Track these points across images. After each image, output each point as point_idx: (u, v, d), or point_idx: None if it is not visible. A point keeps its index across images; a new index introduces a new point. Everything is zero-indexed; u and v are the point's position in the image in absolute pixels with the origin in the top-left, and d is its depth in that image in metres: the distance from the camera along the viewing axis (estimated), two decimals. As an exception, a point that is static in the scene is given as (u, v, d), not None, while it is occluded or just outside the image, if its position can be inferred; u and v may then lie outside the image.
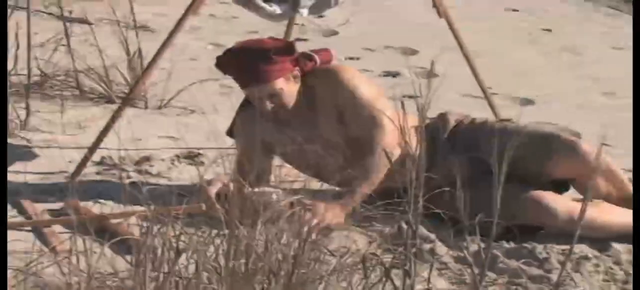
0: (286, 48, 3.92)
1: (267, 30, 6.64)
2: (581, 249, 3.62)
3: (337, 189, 3.88)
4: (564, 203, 3.77)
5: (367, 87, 3.97)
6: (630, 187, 3.94)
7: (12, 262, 2.94)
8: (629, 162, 4.75)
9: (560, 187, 3.88)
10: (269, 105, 3.89)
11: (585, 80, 6.36)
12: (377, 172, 3.80)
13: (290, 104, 3.93)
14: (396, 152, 3.74)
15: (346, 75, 3.95)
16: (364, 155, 3.85)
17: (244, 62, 3.90)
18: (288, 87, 3.90)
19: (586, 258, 3.59)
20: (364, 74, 4.08)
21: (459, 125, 3.99)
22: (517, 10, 8.68)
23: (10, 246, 3.00)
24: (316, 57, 3.97)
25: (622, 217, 3.78)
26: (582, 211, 2.49)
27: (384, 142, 3.82)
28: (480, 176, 3.52)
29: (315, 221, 3.49)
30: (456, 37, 4.37)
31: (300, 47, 6.23)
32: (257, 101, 3.91)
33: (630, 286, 3.46)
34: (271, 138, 3.96)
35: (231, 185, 3.61)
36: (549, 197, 3.78)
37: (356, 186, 3.78)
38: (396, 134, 3.75)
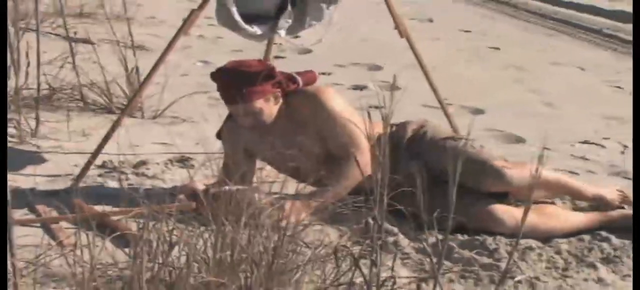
0: (268, 73, 3.87)
1: (250, 49, 6.64)
2: (526, 240, 3.63)
3: (312, 188, 3.86)
4: (511, 214, 3.77)
5: (343, 109, 3.91)
6: (577, 185, 4.02)
7: (23, 254, 2.92)
8: (567, 164, 4.77)
9: (500, 196, 3.88)
10: (248, 121, 3.88)
11: (527, 92, 6.38)
12: (346, 182, 3.77)
13: (268, 121, 3.90)
14: (368, 169, 3.72)
15: (325, 97, 3.91)
16: (339, 163, 3.83)
17: (230, 82, 3.87)
18: (267, 107, 3.87)
19: (531, 248, 3.59)
20: (338, 92, 4.00)
21: (415, 135, 3.98)
22: (470, 31, 8.71)
23: (21, 241, 2.97)
24: (299, 79, 3.94)
25: (564, 222, 3.79)
26: (523, 221, 2.50)
27: (359, 158, 3.76)
28: (433, 181, 3.53)
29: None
30: (416, 54, 4.36)
31: (278, 64, 6.25)
32: (239, 117, 3.90)
33: (568, 272, 3.46)
34: (253, 145, 3.95)
35: (211, 186, 3.60)
36: (499, 210, 3.77)
37: (324, 190, 3.76)
38: (369, 153, 3.73)
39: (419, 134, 3.98)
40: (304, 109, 3.90)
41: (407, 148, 3.94)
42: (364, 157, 3.75)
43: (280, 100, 3.91)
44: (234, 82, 3.85)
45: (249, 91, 3.83)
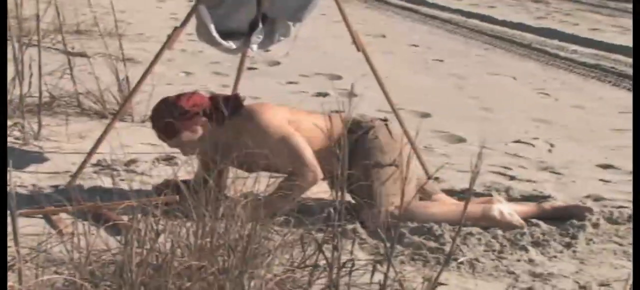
0: (186, 106, 3.73)
1: (226, 61, 6.62)
2: (468, 228, 3.63)
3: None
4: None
5: (278, 125, 3.70)
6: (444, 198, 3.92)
7: (26, 242, 2.88)
8: (501, 161, 4.79)
9: None
10: (183, 153, 3.82)
11: (467, 98, 6.40)
12: (295, 195, 3.55)
13: (193, 152, 3.78)
14: (317, 172, 3.65)
15: (259, 117, 3.71)
16: (290, 177, 3.66)
17: (158, 123, 3.78)
18: (190, 139, 3.73)
19: (471, 234, 3.60)
20: (272, 109, 3.79)
21: (361, 136, 3.81)
22: (417, 46, 8.73)
23: (25, 230, 2.93)
24: (223, 106, 3.76)
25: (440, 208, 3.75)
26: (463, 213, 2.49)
27: (304, 170, 3.64)
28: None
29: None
30: (370, 66, 4.36)
31: (251, 74, 6.23)
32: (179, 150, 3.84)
33: (503, 255, 3.47)
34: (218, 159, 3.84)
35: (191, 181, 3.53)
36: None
37: (273, 197, 3.50)
38: (311, 153, 3.66)
39: (363, 138, 3.81)
40: (245, 133, 3.69)
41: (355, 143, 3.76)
42: (309, 168, 3.63)
43: (213, 125, 3.73)
44: (160, 122, 3.76)
45: (173, 127, 3.72)
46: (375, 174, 3.71)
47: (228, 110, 3.74)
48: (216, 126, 3.75)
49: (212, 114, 3.75)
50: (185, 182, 3.27)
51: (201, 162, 3.90)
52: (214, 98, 3.81)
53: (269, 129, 3.68)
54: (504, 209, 3.73)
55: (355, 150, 3.71)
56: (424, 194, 3.84)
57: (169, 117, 3.72)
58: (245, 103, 3.83)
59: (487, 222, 3.68)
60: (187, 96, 3.80)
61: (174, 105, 3.75)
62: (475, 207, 3.71)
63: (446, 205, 3.77)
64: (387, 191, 3.70)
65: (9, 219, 2.57)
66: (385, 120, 3.96)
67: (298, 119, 3.78)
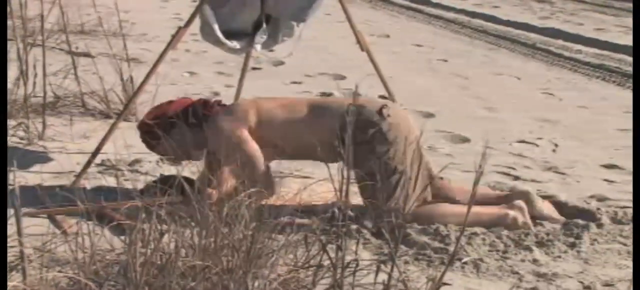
0: (156, 118, 3.85)
1: (230, 61, 6.63)
2: (473, 228, 3.62)
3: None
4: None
5: (228, 132, 3.73)
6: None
7: (31, 242, 2.88)
8: (505, 161, 4.79)
9: None
10: (168, 160, 4.00)
11: (471, 98, 6.40)
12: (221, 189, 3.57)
13: (181, 157, 3.85)
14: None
15: (213, 128, 3.78)
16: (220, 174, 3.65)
17: (143, 138, 3.95)
18: (171, 146, 3.81)
19: (476, 234, 3.59)
20: (227, 118, 3.80)
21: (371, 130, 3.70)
22: (421, 46, 8.72)
23: (30, 230, 2.93)
24: (197, 108, 3.87)
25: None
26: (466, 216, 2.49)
27: (259, 172, 3.67)
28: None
29: None
30: (375, 66, 4.36)
31: (255, 74, 6.23)
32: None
33: (508, 255, 3.47)
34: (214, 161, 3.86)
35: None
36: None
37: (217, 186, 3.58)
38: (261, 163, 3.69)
39: (375, 133, 3.69)
40: (208, 135, 3.81)
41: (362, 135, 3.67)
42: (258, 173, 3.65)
43: (189, 132, 3.82)
44: (140, 135, 3.94)
45: (148, 138, 3.90)
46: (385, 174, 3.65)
47: (195, 115, 3.85)
48: (196, 131, 3.83)
49: (185, 120, 3.85)
50: (187, 180, 3.28)
51: (205, 163, 3.92)
52: (191, 105, 3.90)
53: (221, 136, 3.74)
54: (519, 217, 3.72)
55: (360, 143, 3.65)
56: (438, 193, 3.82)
57: (148, 127, 3.86)
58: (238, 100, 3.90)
59: (500, 225, 3.70)
60: (167, 103, 3.94)
61: (149, 115, 3.92)
62: (490, 211, 3.71)
63: (458, 208, 3.73)
64: (398, 192, 3.66)
65: (13, 219, 2.58)
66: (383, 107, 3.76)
67: (270, 108, 3.80)
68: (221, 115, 3.82)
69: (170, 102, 3.99)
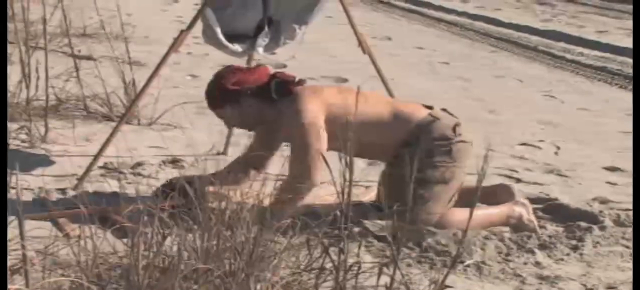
0: (234, 82, 3.72)
1: (232, 63, 6.61)
2: (476, 231, 3.62)
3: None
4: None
5: (308, 119, 3.58)
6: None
7: (34, 245, 2.88)
8: (507, 163, 4.78)
9: None
10: (226, 123, 3.87)
11: (473, 101, 6.40)
12: (295, 200, 3.50)
13: (240, 125, 3.81)
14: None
15: (297, 107, 3.62)
16: (291, 182, 3.56)
17: (207, 91, 3.84)
18: (236, 114, 3.74)
19: (478, 237, 3.59)
20: (312, 101, 3.65)
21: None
22: (423, 48, 8.73)
23: (33, 233, 2.93)
24: (271, 83, 3.73)
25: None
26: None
27: (305, 182, 3.54)
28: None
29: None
30: (376, 68, 4.36)
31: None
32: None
33: (510, 257, 3.46)
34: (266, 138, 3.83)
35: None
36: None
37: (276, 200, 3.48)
38: (322, 167, 3.43)
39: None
40: (283, 113, 3.68)
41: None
42: (310, 180, 3.53)
43: (260, 105, 3.71)
44: (209, 91, 3.82)
45: (219, 97, 3.76)
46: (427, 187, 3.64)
47: (278, 91, 3.70)
48: (267, 105, 3.71)
49: (261, 93, 3.71)
50: (189, 182, 3.27)
51: (255, 137, 3.89)
52: (272, 76, 3.75)
53: (298, 119, 3.60)
54: (524, 213, 3.73)
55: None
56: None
57: (218, 88, 3.75)
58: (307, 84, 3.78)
59: (507, 225, 3.70)
60: (246, 70, 3.81)
61: (220, 78, 3.77)
62: (499, 210, 3.72)
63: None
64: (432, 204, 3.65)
65: (16, 222, 2.57)
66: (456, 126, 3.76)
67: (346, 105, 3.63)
68: (304, 99, 3.64)
69: (250, 69, 3.86)
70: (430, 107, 3.79)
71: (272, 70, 3.86)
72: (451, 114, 3.80)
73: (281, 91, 3.71)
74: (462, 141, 3.72)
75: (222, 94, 3.75)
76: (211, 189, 3.36)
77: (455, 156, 3.68)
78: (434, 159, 3.64)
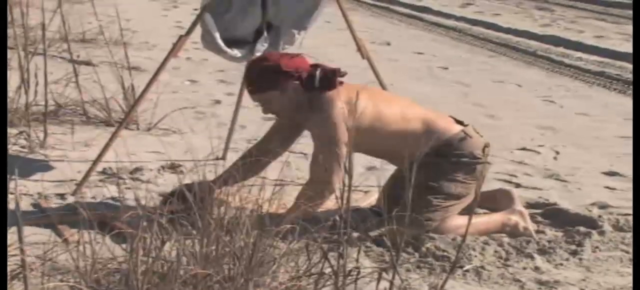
0: (277, 69, 3.64)
1: (232, 69, 6.62)
2: (474, 236, 3.62)
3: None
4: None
5: (338, 134, 3.56)
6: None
7: (32, 251, 2.88)
8: (506, 168, 4.78)
9: None
10: (263, 110, 3.73)
11: (472, 106, 6.39)
12: (315, 205, 3.52)
13: (281, 113, 3.72)
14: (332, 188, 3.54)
15: (325, 114, 3.59)
16: (314, 187, 3.58)
17: (249, 74, 3.75)
18: (281, 98, 3.66)
19: (477, 242, 3.59)
20: (341, 110, 3.61)
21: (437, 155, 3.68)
22: (422, 53, 8.73)
23: (32, 238, 2.94)
24: (315, 72, 3.67)
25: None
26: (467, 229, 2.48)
27: (326, 187, 3.54)
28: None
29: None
30: (376, 73, 4.36)
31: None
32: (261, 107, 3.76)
33: (509, 262, 3.46)
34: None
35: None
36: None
37: (296, 207, 3.53)
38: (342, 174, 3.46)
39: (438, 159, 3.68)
40: (315, 107, 3.63)
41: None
42: (330, 185, 3.53)
43: (295, 95, 3.66)
44: (252, 74, 3.72)
45: (264, 81, 3.66)
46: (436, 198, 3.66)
47: (322, 82, 3.66)
48: (307, 94, 3.66)
49: (306, 81, 3.66)
50: (189, 188, 3.27)
51: (273, 128, 3.86)
52: (314, 66, 3.71)
53: (327, 122, 3.57)
54: (520, 221, 3.73)
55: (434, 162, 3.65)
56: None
57: (265, 72, 3.66)
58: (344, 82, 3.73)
59: (503, 232, 3.70)
60: (289, 56, 3.73)
61: (265, 62, 3.70)
62: (495, 218, 3.73)
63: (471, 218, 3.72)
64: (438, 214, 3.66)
65: (15, 228, 2.57)
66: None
67: (381, 110, 3.67)
68: (338, 102, 3.61)
69: (291, 56, 3.74)
70: (461, 122, 3.80)
71: (310, 60, 3.80)
72: (478, 133, 3.81)
73: (325, 82, 3.66)
74: (486, 162, 3.75)
75: (271, 78, 3.65)
76: (217, 192, 3.37)
77: (476, 175, 3.70)
78: (456, 174, 3.67)
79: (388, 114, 3.68)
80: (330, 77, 3.66)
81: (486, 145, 3.73)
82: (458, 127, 3.76)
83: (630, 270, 3.44)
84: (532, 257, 3.49)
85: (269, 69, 3.67)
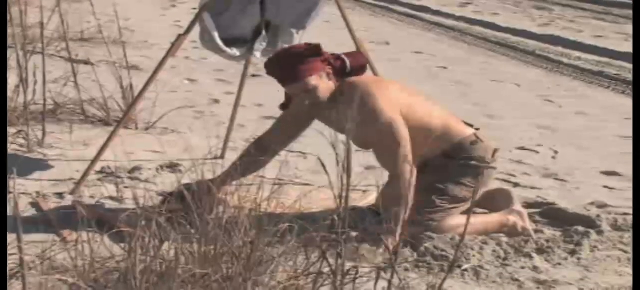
0: (314, 50, 3.65)
1: (230, 68, 6.62)
2: (473, 236, 3.62)
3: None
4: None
5: (383, 107, 3.56)
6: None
7: (31, 250, 2.88)
8: (505, 168, 4.78)
9: None
10: (306, 99, 3.66)
11: (471, 105, 6.40)
12: (406, 192, 3.45)
13: (324, 98, 3.66)
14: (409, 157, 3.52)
15: (365, 95, 3.58)
16: (392, 182, 3.58)
17: (283, 65, 3.68)
18: (321, 84, 3.64)
19: (475, 241, 3.59)
20: (382, 88, 3.64)
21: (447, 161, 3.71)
22: (421, 53, 8.73)
23: (30, 237, 2.94)
24: (346, 59, 3.72)
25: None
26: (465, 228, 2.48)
27: (404, 161, 3.51)
28: None
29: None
30: (375, 73, 4.36)
31: (255, 81, 6.24)
32: (297, 97, 3.70)
33: (508, 262, 3.46)
34: (317, 114, 3.77)
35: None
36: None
37: (395, 216, 3.44)
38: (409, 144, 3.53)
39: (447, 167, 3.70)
40: (348, 100, 3.57)
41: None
42: (405, 150, 3.51)
43: (333, 78, 3.68)
44: (287, 64, 3.67)
45: (301, 69, 3.62)
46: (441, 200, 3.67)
47: (352, 68, 3.70)
48: (334, 79, 3.68)
49: (339, 67, 3.69)
50: (188, 188, 3.27)
51: (282, 117, 3.85)
52: (334, 54, 3.74)
53: (376, 110, 3.56)
54: (518, 222, 3.74)
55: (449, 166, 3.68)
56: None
57: (300, 59, 3.64)
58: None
59: (501, 232, 3.71)
60: (306, 48, 3.72)
61: (298, 50, 3.69)
62: (494, 218, 3.74)
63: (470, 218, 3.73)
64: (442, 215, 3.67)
65: (13, 226, 2.57)
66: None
67: (412, 103, 3.69)
68: (379, 85, 3.66)
69: (313, 46, 3.71)
70: (471, 126, 3.81)
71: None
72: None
73: (357, 69, 3.74)
74: (493, 167, 3.77)
75: (309, 65, 3.63)
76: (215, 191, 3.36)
77: (483, 180, 3.71)
78: (464, 178, 3.67)
79: (418, 107, 3.71)
80: (363, 64, 3.79)
81: (496, 150, 3.73)
82: (470, 130, 3.77)
83: (629, 269, 3.44)
84: (530, 257, 3.49)
85: (304, 55, 3.65)
